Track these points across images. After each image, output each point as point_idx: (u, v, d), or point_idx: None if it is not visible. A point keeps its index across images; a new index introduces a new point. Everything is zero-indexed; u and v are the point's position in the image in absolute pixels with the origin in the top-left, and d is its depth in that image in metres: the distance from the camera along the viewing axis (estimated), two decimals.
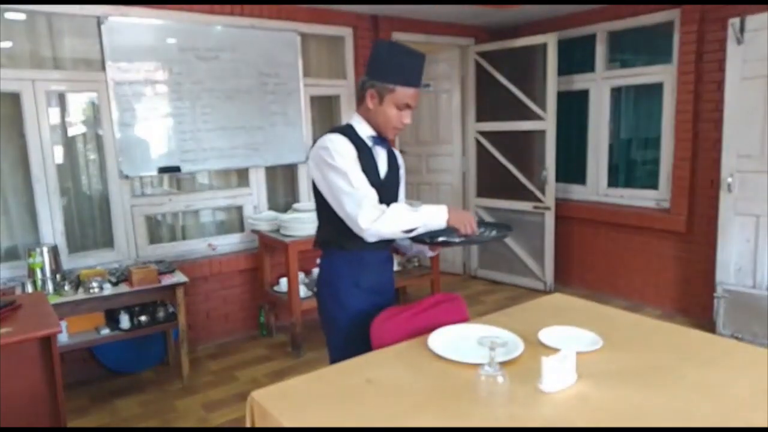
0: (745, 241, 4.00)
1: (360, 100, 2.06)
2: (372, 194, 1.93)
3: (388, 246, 2.19)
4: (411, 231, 1.93)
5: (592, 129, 5.26)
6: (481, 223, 2.17)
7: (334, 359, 2.02)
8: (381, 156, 2.12)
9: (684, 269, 4.68)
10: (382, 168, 2.11)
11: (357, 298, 2.08)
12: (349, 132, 2.05)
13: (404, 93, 1.98)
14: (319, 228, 2.16)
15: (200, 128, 4.16)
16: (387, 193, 2.09)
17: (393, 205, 1.93)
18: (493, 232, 2.12)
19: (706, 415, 1.41)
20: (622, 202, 5.11)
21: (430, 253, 2.22)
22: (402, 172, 2.26)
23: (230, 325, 4.48)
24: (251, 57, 4.33)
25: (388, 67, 1.98)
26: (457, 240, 2.01)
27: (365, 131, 2.07)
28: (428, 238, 2.02)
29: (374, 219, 1.88)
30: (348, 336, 2.01)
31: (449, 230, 2.02)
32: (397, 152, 2.27)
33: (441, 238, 2.01)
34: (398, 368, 1.71)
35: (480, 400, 1.46)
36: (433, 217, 1.93)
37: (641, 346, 1.84)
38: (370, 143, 2.06)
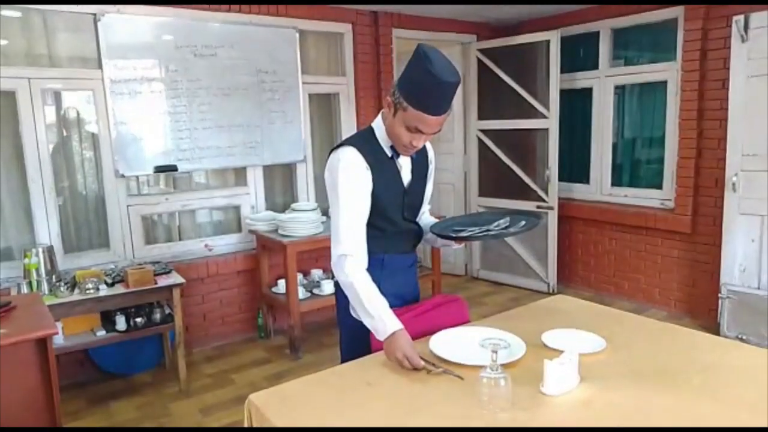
0: (750, 241, 3.96)
1: None
2: (355, 240, 1.84)
3: (413, 250, 2.12)
4: (352, 305, 1.88)
5: (596, 127, 5.22)
6: (507, 213, 2.09)
7: (346, 360, 1.96)
8: (405, 164, 1.98)
9: (689, 270, 4.64)
10: (406, 176, 1.99)
11: None
12: (369, 141, 1.91)
13: (416, 116, 1.74)
14: None
15: (197, 126, 4.12)
16: (412, 198, 2.02)
17: (359, 282, 1.81)
18: (522, 223, 1.98)
19: (710, 417, 1.40)
20: (626, 201, 5.07)
21: (456, 246, 2.12)
22: (431, 168, 2.13)
23: (227, 327, 4.43)
24: (249, 54, 4.29)
25: (411, 81, 1.74)
26: (480, 234, 1.94)
27: (386, 140, 1.91)
28: (453, 233, 1.96)
29: (339, 269, 1.84)
30: (363, 338, 1.94)
31: (472, 223, 1.96)
32: (428, 145, 2.06)
33: (465, 233, 1.95)
34: (398, 371, 1.68)
35: (482, 403, 1.45)
36: (374, 326, 1.77)
37: (645, 348, 1.83)
38: (390, 154, 1.92)
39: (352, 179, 1.84)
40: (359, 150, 1.86)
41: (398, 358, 1.67)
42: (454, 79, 1.73)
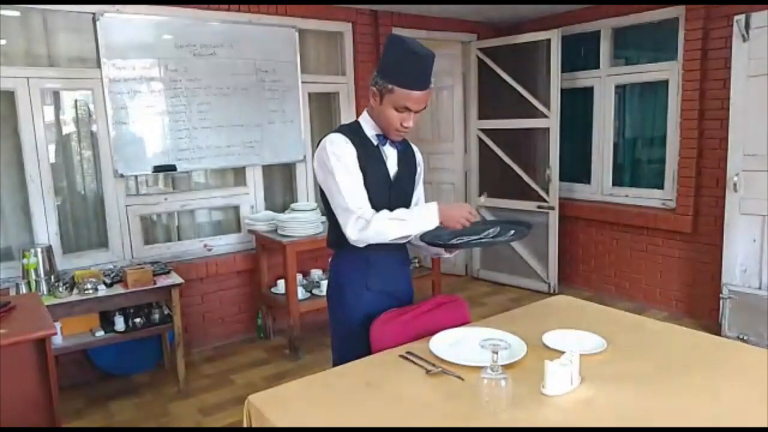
0: (751, 241, 3.95)
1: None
2: (359, 202, 1.86)
3: (402, 247, 2.13)
4: (404, 238, 1.88)
5: (597, 127, 5.21)
6: (498, 222, 2.11)
7: (338, 361, 1.97)
8: (390, 155, 2.03)
9: (690, 270, 4.62)
10: (392, 168, 2.02)
11: (367, 300, 2.02)
12: (355, 130, 1.98)
13: (403, 95, 1.85)
14: (329, 228, 2.10)
15: (196, 126, 4.11)
16: (398, 193, 2.03)
17: (379, 215, 1.85)
18: (511, 232, 2.01)
19: (710, 417, 1.40)
20: (627, 201, 5.06)
21: (447, 255, 2.15)
22: (420, 170, 2.17)
23: (227, 328, 4.42)
24: (248, 53, 4.28)
25: (391, 65, 1.86)
26: (468, 242, 1.96)
27: (372, 129, 1.99)
28: (442, 241, 1.97)
29: (360, 229, 1.84)
30: (355, 338, 1.95)
31: (461, 232, 1.97)
32: (415, 148, 2.17)
33: (455, 241, 1.96)
34: (398, 371, 1.68)
35: (482, 403, 1.45)
36: (423, 222, 1.87)
37: (646, 348, 1.83)
38: (375, 142, 1.98)
39: (341, 155, 1.90)
40: (345, 135, 1.93)
41: (465, 216, 1.86)
42: (431, 53, 1.86)
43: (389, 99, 1.87)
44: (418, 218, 1.87)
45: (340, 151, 1.89)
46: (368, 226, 1.83)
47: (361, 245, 1.89)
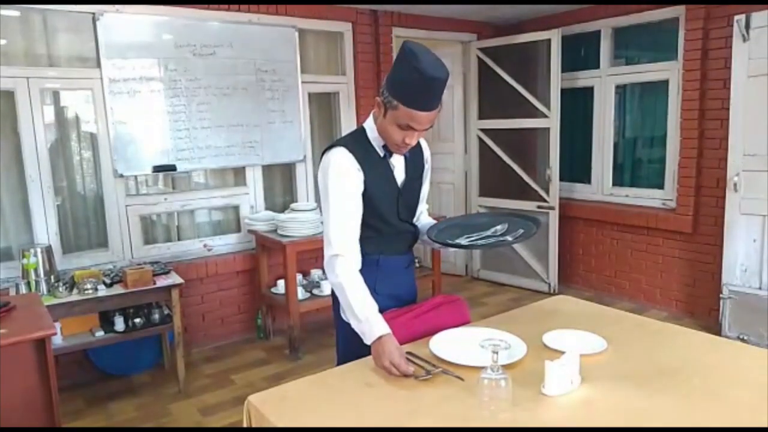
0: (751, 241, 3.95)
1: None
2: (344, 238, 1.83)
3: (409, 251, 2.11)
4: (341, 303, 1.86)
5: (597, 127, 5.21)
6: (506, 217, 2.06)
7: (341, 361, 1.96)
8: (398, 164, 1.97)
9: (690, 270, 4.62)
10: (400, 176, 1.98)
11: None
12: (360, 141, 1.90)
13: (407, 113, 1.74)
14: None
15: (196, 126, 4.11)
16: (407, 198, 2.02)
17: (349, 281, 1.80)
18: (520, 232, 1.95)
19: (710, 417, 1.39)
20: (627, 201, 5.06)
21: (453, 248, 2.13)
22: (427, 166, 2.12)
23: (227, 328, 4.42)
24: (248, 53, 4.28)
25: (399, 78, 1.74)
26: (475, 242, 1.93)
27: (378, 140, 1.90)
28: (450, 239, 1.95)
29: (330, 269, 1.83)
30: (359, 339, 1.93)
31: (468, 227, 1.96)
32: (423, 143, 2.07)
33: (462, 241, 1.93)
34: None
35: (482, 403, 1.44)
36: (361, 330, 1.78)
37: (646, 348, 1.82)
38: (382, 153, 1.91)
39: (342, 181, 1.84)
40: (350, 151, 1.85)
41: (385, 366, 1.64)
42: (442, 75, 1.72)
43: (393, 114, 1.77)
44: (361, 326, 1.77)
45: (343, 178, 1.83)
46: (336, 276, 1.80)
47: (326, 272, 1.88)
